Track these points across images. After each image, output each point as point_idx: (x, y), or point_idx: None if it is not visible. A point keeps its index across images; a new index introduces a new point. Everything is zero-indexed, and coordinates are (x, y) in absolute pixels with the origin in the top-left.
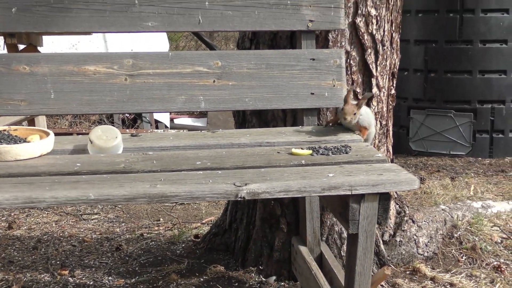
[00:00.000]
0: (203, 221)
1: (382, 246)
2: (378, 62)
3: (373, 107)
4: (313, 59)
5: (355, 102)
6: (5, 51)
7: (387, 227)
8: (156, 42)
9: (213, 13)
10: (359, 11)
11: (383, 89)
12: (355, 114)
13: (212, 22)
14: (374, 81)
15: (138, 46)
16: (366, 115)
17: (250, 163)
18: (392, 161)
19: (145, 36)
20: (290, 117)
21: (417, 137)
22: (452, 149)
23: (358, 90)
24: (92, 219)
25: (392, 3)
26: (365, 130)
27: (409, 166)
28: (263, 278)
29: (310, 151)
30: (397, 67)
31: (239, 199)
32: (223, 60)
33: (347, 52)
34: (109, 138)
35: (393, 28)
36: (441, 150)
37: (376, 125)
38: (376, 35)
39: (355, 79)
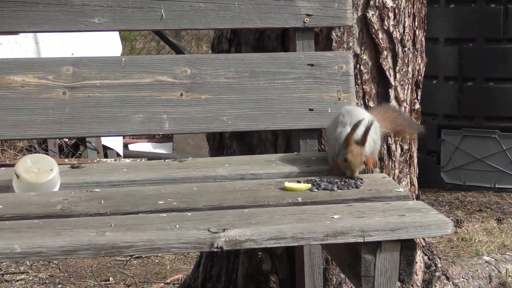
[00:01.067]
0: (168, 280)
1: None
2: (397, 68)
3: None
4: (312, 65)
5: (359, 137)
6: None
7: (412, 285)
8: (105, 44)
9: (180, 5)
10: (372, 2)
11: (404, 103)
12: (364, 162)
13: (179, 18)
14: (392, 93)
15: (81, 50)
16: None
17: (230, 202)
18: (417, 198)
19: (91, 37)
20: (282, 141)
21: (451, 166)
22: (497, 181)
23: (371, 104)
24: (17, 281)
25: None
26: (370, 158)
27: (440, 204)
28: None
29: (309, 185)
30: (422, 74)
31: (216, 249)
32: (194, 67)
33: (357, 56)
34: (41, 171)
35: (416, 23)
36: (483, 182)
37: (382, 142)
38: (394, 32)
39: (367, 90)
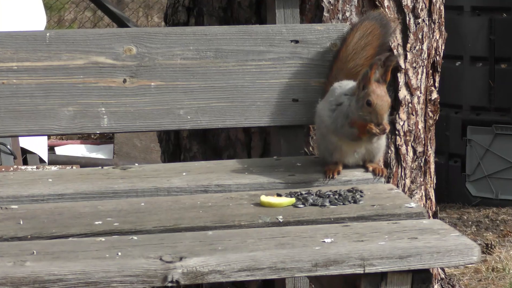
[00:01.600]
0: None
1: None
2: (409, 45)
3: (400, 122)
4: (297, 41)
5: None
6: None
7: None
8: (23, 14)
9: None
10: None
11: (417, 92)
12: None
13: None
14: (401, 78)
15: None
16: None
17: (189, 221)
18: (435, 215)
19: (4, 4)
20: (257, 142)
21: (480, 174)
22: None
23: None
24: None
25: None
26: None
27: (465, 223)
28: None
29: (293, 200)
30: (441, 54)
31: (170, 284)
32: (141, 45)
33: None
34: None
35: None
36: None
37: (388, 142)
38: None
39: None
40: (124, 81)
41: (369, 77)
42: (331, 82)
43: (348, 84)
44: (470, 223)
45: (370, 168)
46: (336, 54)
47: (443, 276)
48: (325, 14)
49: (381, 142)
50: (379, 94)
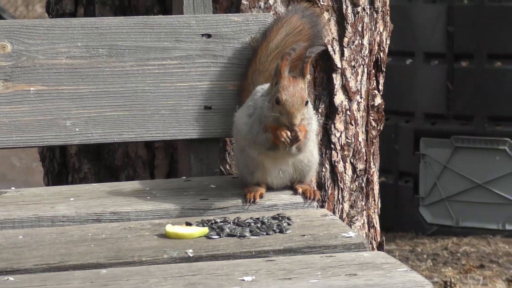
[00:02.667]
0: None
1: None
2: (346, 40)
3: (336, 133)
4: (209, 36)
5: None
6: None
7: None
8: None
9: None
10: None
11: (357, 97)
12: (306, 104)
13: None
14: (337, 80)
15: None
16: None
17: (78, 258)
18: (380, 247)
19: None
20: (162, 159)
21: (436, 196)
22: (508, 219)
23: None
24: None
25: None
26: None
27: (419, 256)
28: None
29: (206, 230)
30: (386, 50)
31: None
32: (17, 40)
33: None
34: None
35: None
36: (487, 222)
37: (321, 156)
38: None
39: None
40: None
41: (279, 70)
42: (248, 86)
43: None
44: (425, 256)
45: (300, 190)
46: (255, 51)
47: None
48: (244, 1)
49: (312, 157)
50: (290, 90)
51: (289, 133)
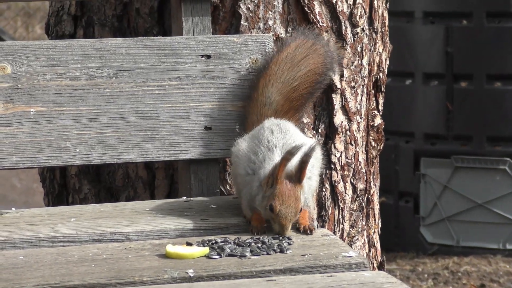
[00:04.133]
0: None
1: None
2: (345, 60)
3: (336, 153)
4: (209, 57)
5: (290, 169)
6: None
7: None
8: None
9: None
10: None
11: (357, 117)
12: (301, 209)
13: None
14: (337, 100)
15: None
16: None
17: (79, 278)
18: (380, 266)
19: None
20: (162, 180)
21: (437, 216)
22: (509, 239)
23: (304, 119)
24: None
25: None
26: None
27: (420, 276)
28: None
29: (207, 250)
30: (386, 70)
31: None
32: (17, 62)
33: (281, 41)
34: None
35: None
36: (488, 242)
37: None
38: (339, 3)
39: None
40: None
41: (276, 175)
42: (258, 97)
43: (287, 129)
44: (426, 275)
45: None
46: (267, 64)
47: None
48: (243, 23)
49: (311, 183)
50: (285, 199)
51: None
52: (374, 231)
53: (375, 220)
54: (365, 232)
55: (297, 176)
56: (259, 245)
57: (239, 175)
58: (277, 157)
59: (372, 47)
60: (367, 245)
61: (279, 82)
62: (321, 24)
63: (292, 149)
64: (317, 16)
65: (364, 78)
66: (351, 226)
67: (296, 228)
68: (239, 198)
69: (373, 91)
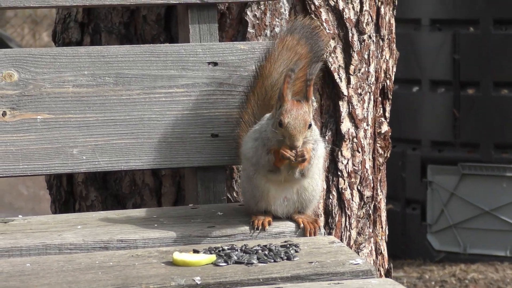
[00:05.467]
0: None
1: None
2: (352, 67)
3: (343, 160)
4: (215, 64)
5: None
6: None
7: None
8: None
9: None
10: None
11: (364, 124)
12: (310, 127)
13: None
14: (344, 107)
15: None
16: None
17: (85, 285)
18: (388, 274)
19: None
20: (169, 187)
21: (444, 224)
22: None
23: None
24: None
25: None
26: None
27: (427, 283)
28: None
29: (214, 257)
30: (392, 77)
31: None
32: (24, 69)
33: None
34: None
35: None
36: (495, 249)
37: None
38: (346, 11)
39: None
40: (4, 114)
41: (282, 94)
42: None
43: None
44: (433, 283)
45: (301, 225)
46: (253, 85)
47: None
48: (250, 30)
49: (316, 186)
50: (293, 112)
51: (291, 153)
52: (381, 238)
53: (382, 227)
54: (372, 240)
55: (304, 94)
56: (266, 252)
57: (245, 157)
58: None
59: (379, 54)
60: (374, 253)
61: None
62: (328, 31)
63: (293, 65)
64: (324, 23)
65: (371, 85)
66: (358, 234)
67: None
68: (247, 199)
69: (380, 98)
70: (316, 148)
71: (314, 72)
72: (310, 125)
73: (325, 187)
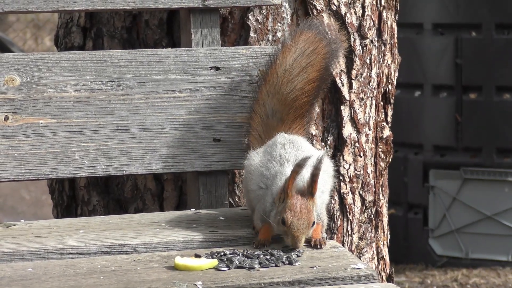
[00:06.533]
0: None
1: None
2: (354, 72)
3: (345, 165)
4: (217, 68)
5: (302, 183)
6: None
7: None
8: None
9: None
10: None
11: (366, 129)
12: (313, 225)
13: None
14: (346, 112)
15: None
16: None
17: None
18: (389, 279)
19: None
20: (171, 192)
21: (446, 228)
22: None
23: (313, 131)
24: None
25: None
26: (318, 225)
27: None
28: None
29: (215, 262)
30: (395, 82)
31: None
32: (26, 74)
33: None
34: None
35: (383, 0)
36: (497, 254)
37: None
38: (348, 15)
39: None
40: (6, 118)
41: (286, 189)
42: (259, 109)
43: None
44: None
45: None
46: (265, 75)
47: None
48: (252, 34)
49: (324, 198)
50: (297, 211)
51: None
52: (383, 243)
53: (384, 232)
54: (374, 244)
55: (309, 190)
56: (268, 257)
57: (251, 190)
58: (288, 172)
59: (381, 59)
60: (376, 257)
61: (278, 95)
62: (330, 36)
63: (301, 161)
64: (326, 28)
65: (373, 90)
66: (360, 238)
67: (308, 242)
68: (250, 210)
69: (382, 103)
70: (322, 207)
71: (319, 166)
72: (313, 224)
73: None
